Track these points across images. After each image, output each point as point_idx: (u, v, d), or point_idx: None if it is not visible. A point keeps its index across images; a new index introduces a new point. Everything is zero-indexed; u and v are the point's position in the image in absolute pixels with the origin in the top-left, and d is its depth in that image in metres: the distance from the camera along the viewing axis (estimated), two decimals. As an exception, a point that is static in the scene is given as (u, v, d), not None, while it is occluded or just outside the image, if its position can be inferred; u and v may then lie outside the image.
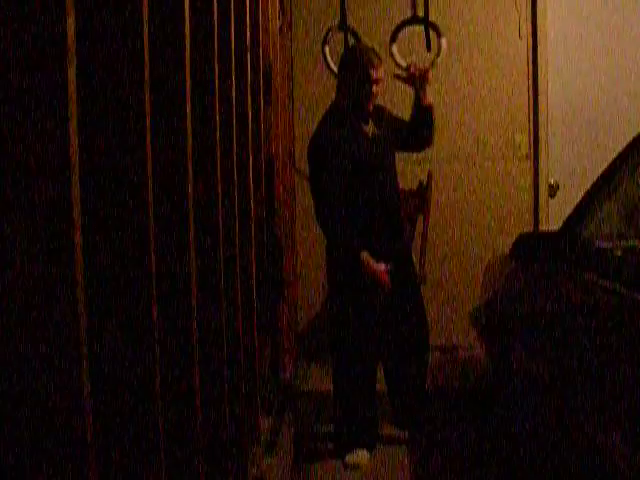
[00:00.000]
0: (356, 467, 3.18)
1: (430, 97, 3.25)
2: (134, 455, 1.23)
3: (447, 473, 3.13)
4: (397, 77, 3.33)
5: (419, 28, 3.43)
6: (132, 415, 1.22)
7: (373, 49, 3.29)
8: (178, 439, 1.49)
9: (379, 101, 3.26)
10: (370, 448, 3.26)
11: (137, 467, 1.23)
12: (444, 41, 3.31)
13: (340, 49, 3.72)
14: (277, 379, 3.52)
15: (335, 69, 3.39)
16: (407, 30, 3.50)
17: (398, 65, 3.36)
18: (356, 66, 3.15)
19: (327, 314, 4.78)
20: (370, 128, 3.27)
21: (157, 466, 1.26)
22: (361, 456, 3.21)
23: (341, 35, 3.63)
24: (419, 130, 3.30)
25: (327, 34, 3.47)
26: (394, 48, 3.40)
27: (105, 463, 1.17)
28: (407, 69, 3.32)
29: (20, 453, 0.92)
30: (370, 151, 3.23)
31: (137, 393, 1.22)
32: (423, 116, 3.26)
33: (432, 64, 3.29)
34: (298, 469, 3.18)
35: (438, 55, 3.28)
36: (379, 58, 3.20)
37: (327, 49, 3.43)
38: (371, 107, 3.22)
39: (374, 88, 3.15)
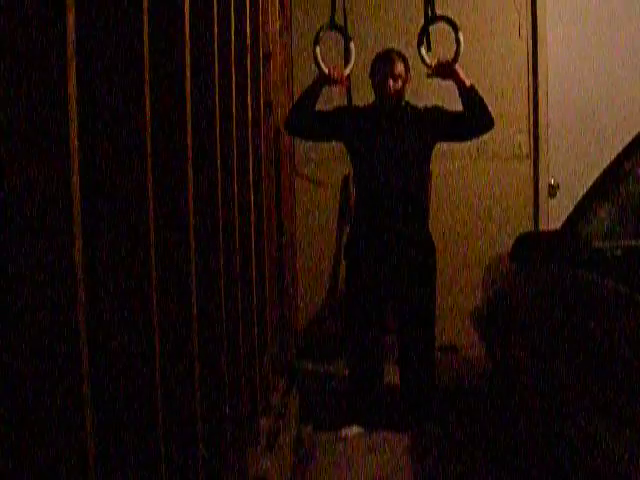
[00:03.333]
0: (348, 439, 3.45)
1: (467, 80, 3.38)
2: (134, 455, 1.23)
3: (447, 472, 3.13)
4: (430, 76, 3.46)
5: (439, 26, 3.50)
6: (132, 415, 1.22)
7: (394, 50, 3.53)
8: (178, 439, 1.49)
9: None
10: (365, 425, 3.52)
11: (137, 467, 1.23)
12: (461, 35, 3.38)
13: (336, 49, 3.72)
14: (279, 378, 3.52)
15: (325, 69, 3.38)
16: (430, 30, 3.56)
17: (427, 66, 3.42)
18: (373, 65, 3.51)
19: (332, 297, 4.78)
20: (386, 120, 3.45)
21: (157, 466, 1.26)
22: (355, 430, 3.50)
23: (333, 34, 3.61)
24: (473, 113, 3.40)
25: (318, 34, 3.45)
26: (422, 50, 3.44)
27: (105, 464, 1.17)
28: (432, 67, 3.41)
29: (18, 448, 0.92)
30: (368, 136, 3.43)
31: (137, 393, 1.22)
32: (469, 98, 3.38)
33: (455, 60, 3.35)
34: (298, 469, 3.18)
35: (458, 50, 3.35)
36: (397, 55, 3.46)
37: (318, 49, 3.41)
38: (389, 97, 3.42)
39: (389, 82, 3.40)
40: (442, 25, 3.50)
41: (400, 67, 3.41)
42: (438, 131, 3.46)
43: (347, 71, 3.47)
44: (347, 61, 3.50)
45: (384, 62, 3.43)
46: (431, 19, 3.46)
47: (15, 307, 0.90)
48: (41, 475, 0.93)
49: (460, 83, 3.39)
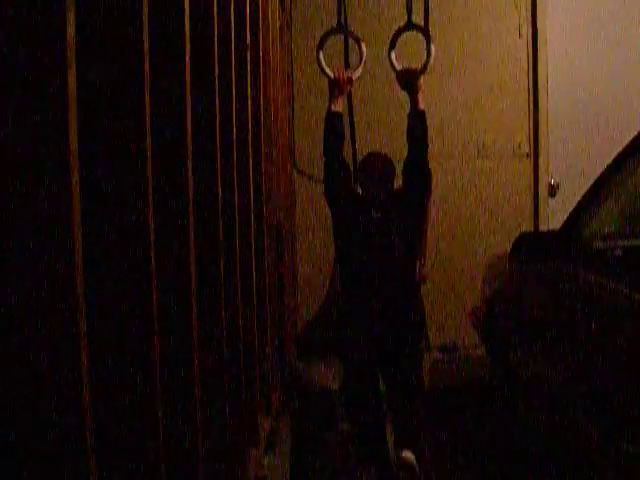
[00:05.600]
0: None
1: (423, 104, 3.23)
2: (134, 456, 1.23)
3: (447, 472, 3.13)
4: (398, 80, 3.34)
5: (416, 33, 3.38)
6: (132, 416, 1.22)
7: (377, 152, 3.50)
8: (178, 439, 1.49)
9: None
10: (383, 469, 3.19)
11: (137, 468, 1.23)
12: (433, 47, 3.26)
13: (337, 51, 3.68)
14: (279, 378, 3.52)
15: (330, 74, 3.32)
16: (406, 36, 3.46)
17: (395, 71, 3.31)
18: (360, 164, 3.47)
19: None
20: (377, 213, 3.34)
21: (157, 466, 1.26)
22: None
23: (336, 38, 3.56)
24: (412, 136, 3.27)
25: (322, 38, 3.40)
26: (392, 55, 3.33)
27: (105, 464, 1.16)
28: (399, 73, 3.30)
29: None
30: (363, 225, 3.31)
31: (137, 394, 1.22)
32: (415, 121, 3.24)
33: (423, 70, 3.25)
34: (298, 469, 3.17)
35: (427, 62, 3.23)
36: (377, 155, 3.42)
37: (321, 54, 3.35)
38: (373, 193, 3.34)
39: (372, 182, 3.34)
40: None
41: (379, 165, 3.34)
42: (411, 196, 3.35)
43: (357, 74, 3.37)
44: (357, 63, 3.40)
45: (365, 161, 3.42)
46: (407, 26, 3.37)
47: (14, 310, 0.90)
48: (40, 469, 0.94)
49: (414, 100, 3.25)
